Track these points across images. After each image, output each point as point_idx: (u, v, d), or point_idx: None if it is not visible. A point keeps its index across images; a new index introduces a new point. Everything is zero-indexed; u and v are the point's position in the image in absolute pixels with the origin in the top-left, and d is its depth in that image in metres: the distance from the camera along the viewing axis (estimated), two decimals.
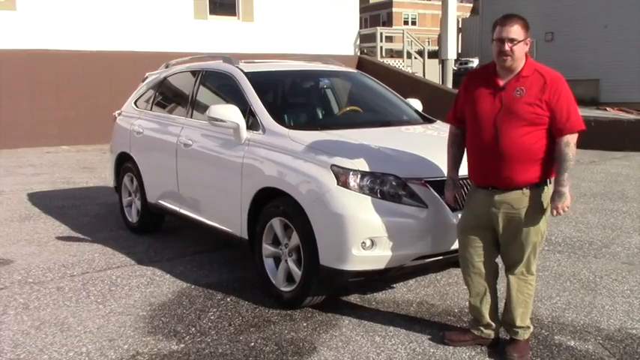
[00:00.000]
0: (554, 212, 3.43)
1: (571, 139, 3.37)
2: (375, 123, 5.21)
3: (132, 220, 6.55)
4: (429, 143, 4.82)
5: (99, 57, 14.87)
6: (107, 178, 9.11)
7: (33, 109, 14.21)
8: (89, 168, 11.20)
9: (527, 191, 3.44)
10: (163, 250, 5.83)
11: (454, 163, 3.83)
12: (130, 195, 6.59)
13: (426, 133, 5.13)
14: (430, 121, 5.41)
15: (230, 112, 4.72)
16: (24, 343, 3.86)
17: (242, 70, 5.22)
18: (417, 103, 5.78)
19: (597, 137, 13.18)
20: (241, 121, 4.73)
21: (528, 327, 3.67)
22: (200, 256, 5.63)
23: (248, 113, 4.84)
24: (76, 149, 13.86)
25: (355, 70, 6.35)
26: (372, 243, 3.88)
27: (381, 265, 3.95)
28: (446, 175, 3.96)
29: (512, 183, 3.44)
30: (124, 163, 6.59)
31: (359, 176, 3.97)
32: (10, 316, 4.27)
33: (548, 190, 3.48)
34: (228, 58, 5.55)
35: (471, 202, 3.68)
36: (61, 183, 9.63)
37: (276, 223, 4.39)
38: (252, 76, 5.15)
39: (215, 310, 4.37)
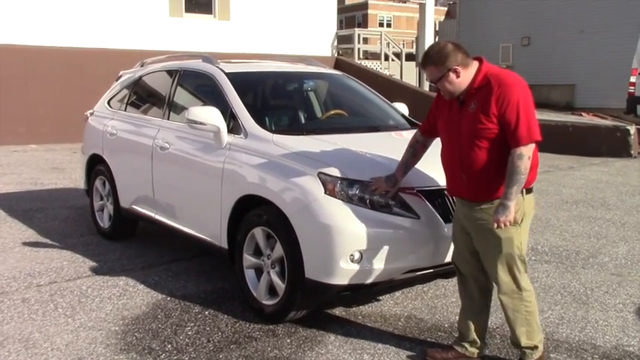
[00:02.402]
0: (495, 225, 3.20)
1: (525, 150, 3.11)
2: (362, 128, 4.99)
3: (103, 225, 6.25)
4: None
5: (69, 53, 14.45)
6: (78, 180, 8.81)
7: None
8: (59, 168, 10.81)
9: (495, 202, 3.24)
10: (137, 258, 5.55)
11: (404, 165, 3.75)
12: (101, 199, 6.30)
13: None
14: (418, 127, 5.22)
15: (210, 115, 4.48)
16: None
17: (223, 71, 4.98)
18: (403, 108, 5.60)
19: (575, 143, 13.24)
20: (222, 125, 4.49)
21: (536, 347, 3.44)
22: (176, 265, 5.36)
23: (229, 116, 4.60)
24: (45, 148, 13.42)
25: (340, 72, 6.14)
26: (361, 255, 3.67)
27: (370, 279, 3.75)
28: (439, 184, 3.79)
29: (475, 197, 3.32)
30: (96, 166, 6.28)
31: (347, 185, 3.76)
32: None
33: (521, 201, 3.25)
34: (208, 58, 5.31)
35: (456, 211, 3.58)
36: (28, 184, 9.24)
37: (258, 232, 4.16)
38: (234, 77, 4.91)
39: (192, 324, 4.12)
